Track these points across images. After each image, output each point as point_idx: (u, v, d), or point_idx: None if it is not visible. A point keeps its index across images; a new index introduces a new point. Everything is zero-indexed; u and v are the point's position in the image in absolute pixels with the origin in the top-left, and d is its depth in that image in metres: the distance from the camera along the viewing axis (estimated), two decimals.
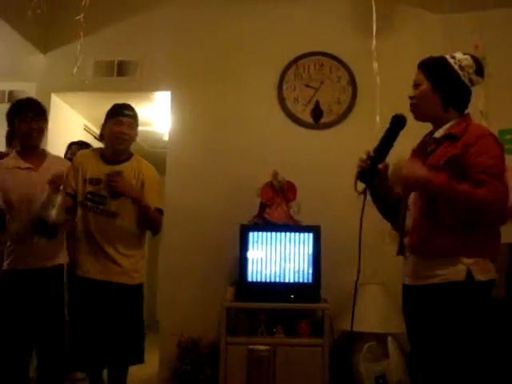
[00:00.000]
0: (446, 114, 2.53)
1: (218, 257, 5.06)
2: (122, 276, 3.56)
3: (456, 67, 2.50)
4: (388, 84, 4.72)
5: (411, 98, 2.60)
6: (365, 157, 2.56)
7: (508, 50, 4.84)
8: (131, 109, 3.85)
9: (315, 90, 5.29)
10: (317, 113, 5.24)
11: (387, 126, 2.58)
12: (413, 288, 2.54)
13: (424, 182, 2.33)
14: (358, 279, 2.70)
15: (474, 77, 2.52)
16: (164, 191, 5.47)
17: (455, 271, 2.35)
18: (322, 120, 5.25)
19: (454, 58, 2.53)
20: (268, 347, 2.82)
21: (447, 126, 2.51)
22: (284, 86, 5.31)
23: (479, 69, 2.55)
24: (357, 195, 2.59)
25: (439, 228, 2.40)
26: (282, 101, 5.29)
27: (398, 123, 2.54)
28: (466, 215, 2.33)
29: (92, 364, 3.64)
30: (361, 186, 2.59)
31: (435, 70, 2.54)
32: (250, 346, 2.91)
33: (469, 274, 2.33)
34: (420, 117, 2.61)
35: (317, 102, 5.26)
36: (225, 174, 5.20)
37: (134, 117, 3.84)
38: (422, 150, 2.60)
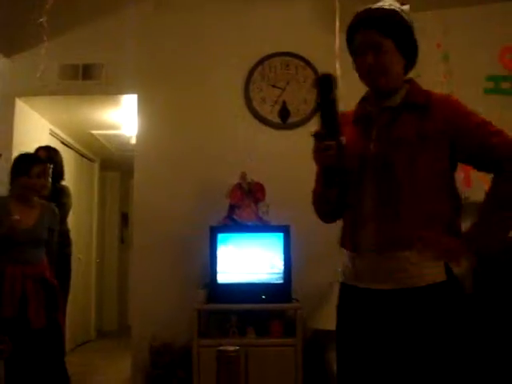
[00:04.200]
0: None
1: (189, 259, 5.05)
2: None
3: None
4: (354, 82, 4.75)
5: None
6: (321, 144, 2.06)
7: (470, 49, 4.89)
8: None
9: (282, 90, 5.29)
10: (284, 113, 5.25)
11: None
12: (390, 293, 2.04)
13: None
14: None
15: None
16: (133, 194, 5.46)
17: (440, 269, 2.02)
18: (290, 120, 5.25)
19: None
20: (237, 347, 2.77)
21: (401, 93, 2.15)
22: (251, 87, 5.30)
23: None
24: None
25: (425, 218, 2.06)
26: (248, 101, 5.29)
27: (323, 84, 2.07)
28: None
29: None
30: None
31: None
32: (219, 348, 2.86)
33: (448, 269, 2.02)
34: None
35: (284, 103, 5.27)
36: (193, 176, 5.19)
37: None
38: (367, 121, 2.18)
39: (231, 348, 2.69)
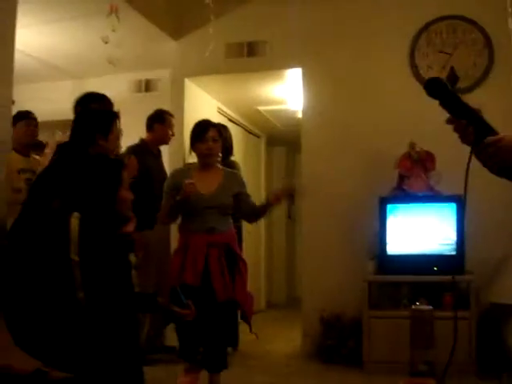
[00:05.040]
0: None
1: (358, 231, 5.03)
2: None
3: None
4: None
5: None
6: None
7: None
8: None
9: (449, 56, 5.10)
10: (452, 79, 5.04)
11: None
12: None
13: None
14: None
15: None
16: (299, 168, 5.50)
17: None
18: (458, 85, 5.05)
19: None
20: (431, 307, 2.84)
21: None
22: (416, 54, 5.16)
23: None
24: None
25: None
26: (414, 69, 5.15)
27: (432, 87, 1.83)
28: None
29: None
30: None
31: None
32: (414, 306, 2.93)
33: None
34: None
35: (452, 68, 5.07)
36: (361, 147, 5.14)
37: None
38: None
39: (425, 307, 2.75)
